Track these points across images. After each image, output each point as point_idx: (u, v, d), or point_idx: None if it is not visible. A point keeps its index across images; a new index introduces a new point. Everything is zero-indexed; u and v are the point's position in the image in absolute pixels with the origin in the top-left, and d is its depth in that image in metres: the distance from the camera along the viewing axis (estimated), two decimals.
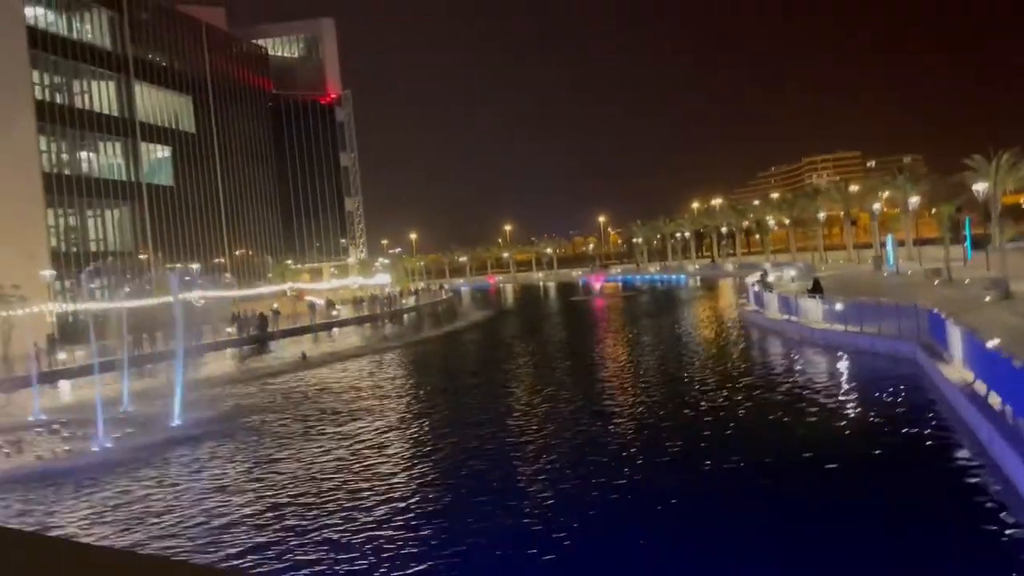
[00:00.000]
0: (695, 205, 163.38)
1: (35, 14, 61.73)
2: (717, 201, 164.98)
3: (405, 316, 73.16)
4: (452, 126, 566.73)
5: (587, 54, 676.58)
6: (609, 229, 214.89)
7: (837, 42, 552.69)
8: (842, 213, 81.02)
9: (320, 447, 19.08)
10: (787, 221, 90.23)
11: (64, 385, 38.50)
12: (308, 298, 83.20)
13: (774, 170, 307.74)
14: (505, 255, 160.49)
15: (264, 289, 75.10)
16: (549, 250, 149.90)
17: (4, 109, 53.27)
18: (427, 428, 20.50)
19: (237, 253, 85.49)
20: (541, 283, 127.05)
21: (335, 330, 62.07)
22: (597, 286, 73.11)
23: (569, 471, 14.63)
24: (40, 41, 60.83)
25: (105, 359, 43.31)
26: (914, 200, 57.88)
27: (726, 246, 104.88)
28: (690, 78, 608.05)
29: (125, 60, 72.79)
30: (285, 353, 46.18)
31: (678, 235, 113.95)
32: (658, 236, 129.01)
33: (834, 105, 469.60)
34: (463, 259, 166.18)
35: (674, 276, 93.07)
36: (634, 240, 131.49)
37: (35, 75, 60.34)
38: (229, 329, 52.94)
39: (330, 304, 71.05)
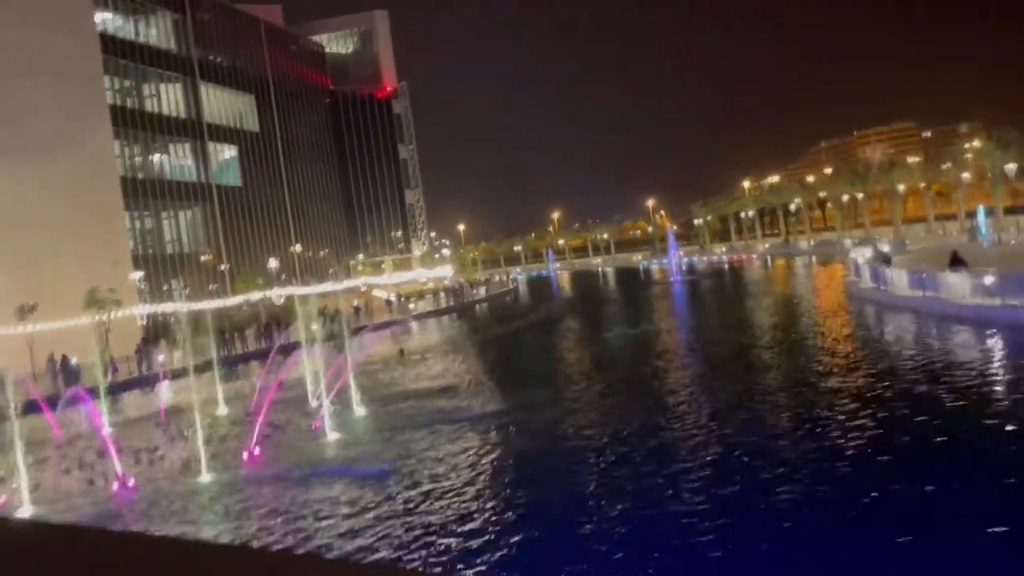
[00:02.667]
0: (746, 184, 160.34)
1: (103, 19, 62.15)
2: (774, 179, 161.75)
3: (477, 307, 72.47)
4: (489, 117, 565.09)
5: (627, 35, 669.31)
6: (662, 212, 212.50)
7: (883, 10, 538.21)
8: (922, 184, 78.17)
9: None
10: (860, 195, 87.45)
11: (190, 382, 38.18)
12: (376, 293, 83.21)
13: (824, 144, 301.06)
14: (560, 242, 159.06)
15: (340, 285, 75.05)
16: (605, 235, 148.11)
17: (82, 115, 53.60)
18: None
19: (300, 250, 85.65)
20: (600, 269, 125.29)
21: (412, 324, 61.60)
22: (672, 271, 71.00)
23: None
24: (111, 46, 61.24)
25: (203, 359, 43.65)
26: (1011, 167, 55.29)
27: (795, 223, 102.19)
28: (732, 55, 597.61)
29: (190, 61, 73.20)
30: (374, 350, 45.69)
31: (743, 215, 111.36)
32: (717, 216, 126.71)
33: (882, 76, 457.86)
34: (517, 248, 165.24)
35: (757, 255, 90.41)
36: (695, 221, 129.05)
37: (107, 80, 60.78)
38: (315, 326, 52.64)
39: (404, 298, 70.67)
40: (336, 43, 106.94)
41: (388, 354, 40.67)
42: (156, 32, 70.50)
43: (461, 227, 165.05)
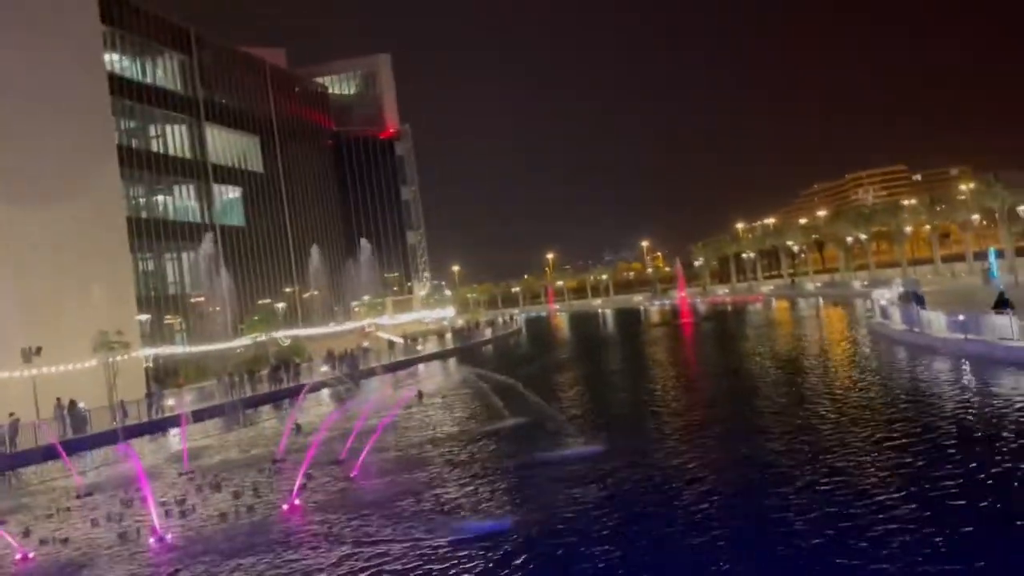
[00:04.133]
0: (740, 225, 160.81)
1: (111, 59, 61.95)
2: (770, 220, 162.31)
3: (483, 348, 71.56)
4: (480, 161, 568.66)
5: (616, 81, 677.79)
6: (658, 253, 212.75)
7: (871, 54, 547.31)
8: (927, 227, 78.16)
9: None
10: (863, 237, 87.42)
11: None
12: (380, 334, 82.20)
13: (817, 187, 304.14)
14: (559, 283, 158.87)
15: (344, 326, 74.13)
16: (604, 276, 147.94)
17: (91, 155, 53.03)
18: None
19: (303, 292, 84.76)
20: (600, 310, 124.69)
21: (420, 366, 60.66)
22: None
23: None
24: (118, 86, 60.93)
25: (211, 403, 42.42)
26: (1022, 208, 55.21)
27: (798, 265, 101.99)
28: (725, 97, 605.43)
29: (196, 103, 73.07)
30: (386, 392, 44.71)
31: (745, 256, 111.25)
32: (718, 257, 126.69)
33: (871, 121, 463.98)
34: (515, 289, 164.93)
35: (751, 297, 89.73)
36: (695, 262, 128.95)
37: (114, 120, 60.36)
38: (324, 368, 51.77)
39: (412, 339, 69.80)
40: (339, 85, 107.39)
41: (404, 397, 39.73)
42: (163, 73, 70.40)
43: (456, 268, 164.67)
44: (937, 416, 19.77)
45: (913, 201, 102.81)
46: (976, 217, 64.99)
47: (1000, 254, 64.07)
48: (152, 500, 17.96)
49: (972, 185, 77.87)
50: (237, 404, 40.69)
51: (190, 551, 15.68)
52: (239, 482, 21.77)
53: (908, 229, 75.69)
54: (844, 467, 16.12)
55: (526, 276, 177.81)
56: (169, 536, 16.82)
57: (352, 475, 20.72)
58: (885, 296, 42.57)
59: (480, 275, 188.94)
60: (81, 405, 36.35)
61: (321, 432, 26.58)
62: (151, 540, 16.69)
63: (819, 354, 34.85)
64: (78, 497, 22.61)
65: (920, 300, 32.46)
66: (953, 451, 16.45)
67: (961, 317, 27.76)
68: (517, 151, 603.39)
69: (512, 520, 15.04)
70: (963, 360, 26.50)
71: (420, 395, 38.48)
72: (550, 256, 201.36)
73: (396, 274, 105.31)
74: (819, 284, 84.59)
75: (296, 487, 19.21)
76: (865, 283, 72.30)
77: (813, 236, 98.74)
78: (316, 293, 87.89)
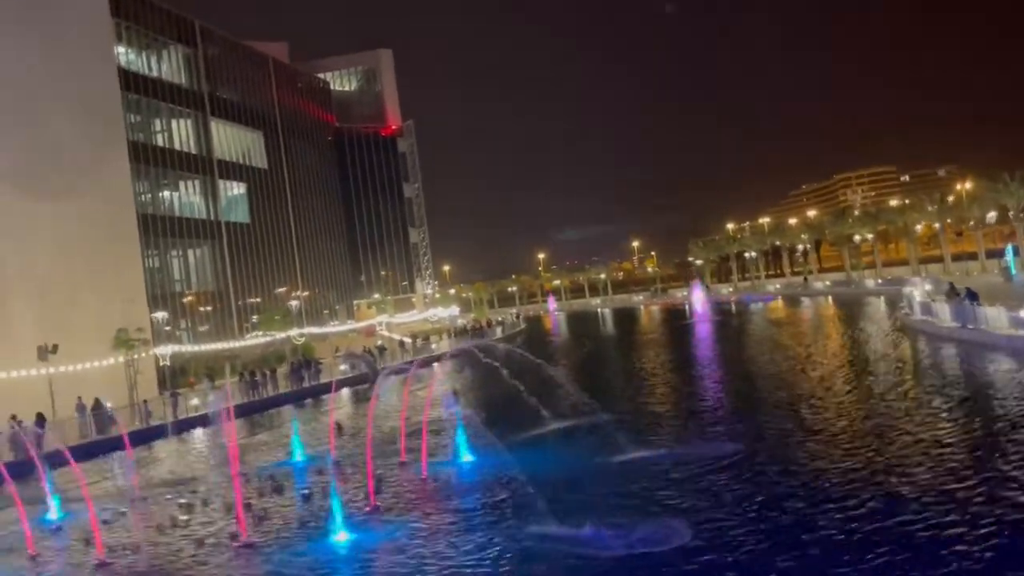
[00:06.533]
0: (730, 226, 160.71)
1: (117, 52, 60.58)
2: (766, 220, 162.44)
3: (497, 347, 70.56)
4: (476, 158, 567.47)
5: (606, 80, 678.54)
6: (652, 253, 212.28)
7: (857, 53, 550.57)
8: (936, 225, 78.03)
9: None
10: (870, 236, 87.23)
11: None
12: (385, 332, 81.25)
13: (805, 188, 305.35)
14: (556, 282, 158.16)
15: (353, 324, 73.07)
16: (603, 275, 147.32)
17: (103, 151, 51.84)
18: None
19: (305, 291, 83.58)
20: (599, 310, 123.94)
21: (435, 365, 59.68)
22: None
23: None
24: (126, 80, 59.61)
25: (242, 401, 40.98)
26: None
27: (803, 263, 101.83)
28: (712, 98, 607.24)
29: (201, 97, 71.81)
30: (413, 390, 43.68)
31: (747, 255, 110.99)
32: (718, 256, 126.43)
33: (858, 120, 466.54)
34: (512, 288, 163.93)
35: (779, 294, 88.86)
36: (695, 261, 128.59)
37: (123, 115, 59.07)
38: (343, 367, 50.79)
39: (420, 339, 68.85)
40: (340, 80, 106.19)
41: (439, 393, 38.80)
42: (169, 67, 69.06)
43: (447, 268, 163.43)
44: None
45: (905, 201, 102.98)
46: (993, 215, 64.81)
47: (1017, 251, 63.91)
48: (240, 502, 16.85)
49: (968, 184, 77.85)
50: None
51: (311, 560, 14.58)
52: (301, 483, 20.86)
53: (919, 227, 75.58)
54: None
55: (514, 276, 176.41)
56: (254, 540, 15.84)
57: (423, 476, 19.85)
58: (916, 293, 42.07)
59: (469, 275, 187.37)
60: (108, 405, 35.14)
61: (367, 431, 25.65)
62: (235, 545, 15.71)
63: (883, 353, 32.34)
64: (132, 501, 21.58)
65: (974, 296, 31.86)
66: None
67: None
68: (503, 150, 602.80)
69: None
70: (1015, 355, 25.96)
71: (455, 392, 37.69)
72: (541, 256, 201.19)
73: (397, 272, 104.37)
74: (828, 283, 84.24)
75: (370, 488, 18.26)
76: (879, 281, 71.96)
77: (818, 235, 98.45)
78: (318, 291, 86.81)
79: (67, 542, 18.26)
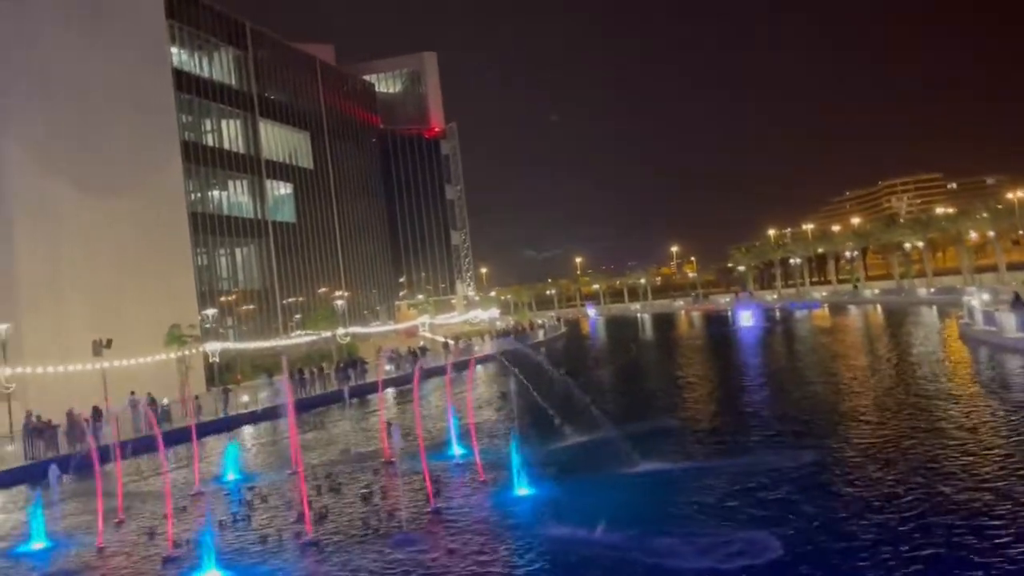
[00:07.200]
0: (771, 232, 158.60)
1: (171, 53, 61.47)
2: (809, 226, 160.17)
3: (543, 348, 70.35)
4: (501, 161, 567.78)
5: (647, 88, 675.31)
6: (692, 259, 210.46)
7: (905, 62, 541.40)
8: (991, 233, 76.13)
9: None
10: (920, 243, 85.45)
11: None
12: (427, 333, 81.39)
13: (849, 194, 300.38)
14: (595, 287, 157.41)
15: (398, 325, 73.32)
16: (643, 280, 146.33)
17: (157, 150, 52.67)
18: None
19: (350, 289, 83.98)
20: (638, 315, 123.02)
21: (478, 367, 59.57)
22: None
23: None
24: (179, 80, 60.50)
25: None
26: None
27: (850, 271, 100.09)
28: (755, 103, 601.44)
29: (250, 98, 72.64)
30: (459, 392, 43.56)
31: (792, 261, 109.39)
32: (761, 262, 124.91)
33: (906, 127, 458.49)
34: (550, 292, 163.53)
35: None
36: (740, 268, 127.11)
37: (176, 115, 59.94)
38: (388, 367, 50.84)
39: (467, 339, 68.83)
40: (385, 83, 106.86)
41: (486, 396, 38.76)
42: (220, 68, 69.97)
43: (484, 270, 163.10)
44: None
45: (948, 210, 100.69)
46: None
47: None
48: (305, 499, 16.80)
49: (1021, 193, 75.91)
50: None
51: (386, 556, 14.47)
52: (359, 483, 20.80)
53: (974, 235, 73.78)
54: None
55: (550, 280, 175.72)
56: (320, 539, 15.78)
57: (481, 479, 19.60)
58: (975, 303, 40.96)
59: (505, 277, 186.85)
60: (165, 401, 35.54)
61: (417, 432, 25.49)
62: (300, 543, 15.67)
63: (953, 366, 31.07)
64: (192, 496, 21.70)
65: None
66: None
67: None
68: (543, 151, 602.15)
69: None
70: None
71: (504, 395, 37.53)
72: (579, 260, 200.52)
73: (438, 274, 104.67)
74: (877, 291, 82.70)
75: (429, 491, 18.08)
76: (932, 290, 70.46)
77: (865, 242, 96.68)
78: (361, 291, 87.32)
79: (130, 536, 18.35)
